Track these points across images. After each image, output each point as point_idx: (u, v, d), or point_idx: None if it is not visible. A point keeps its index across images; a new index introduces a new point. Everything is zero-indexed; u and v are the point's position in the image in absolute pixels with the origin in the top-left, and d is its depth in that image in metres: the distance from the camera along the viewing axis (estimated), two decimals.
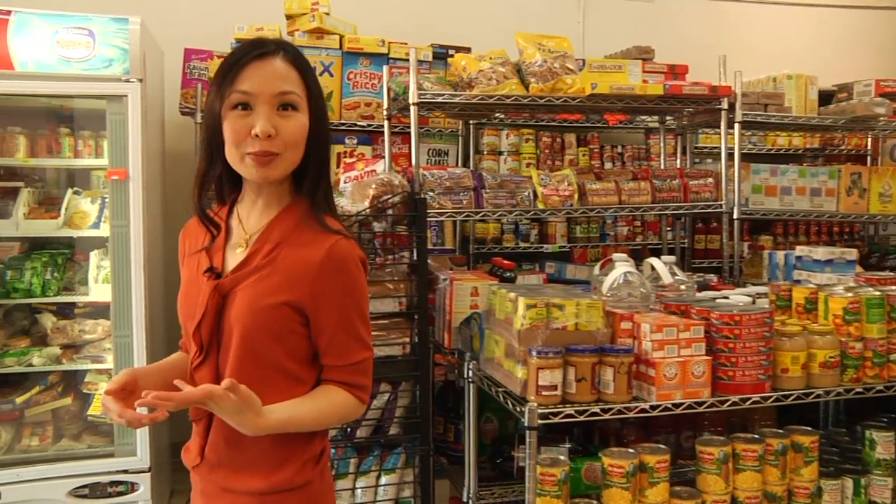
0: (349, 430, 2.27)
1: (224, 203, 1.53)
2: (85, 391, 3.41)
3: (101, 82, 3.17)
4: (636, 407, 2.04)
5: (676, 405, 2.06)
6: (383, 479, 2.30)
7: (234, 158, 1.40)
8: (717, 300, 2.41)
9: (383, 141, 3.87)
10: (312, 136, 1.44)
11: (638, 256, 3.23)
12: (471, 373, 2.32)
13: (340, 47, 3.82)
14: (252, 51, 1.40)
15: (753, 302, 2.43)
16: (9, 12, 3.05)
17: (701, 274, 3.28)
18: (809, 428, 2.30)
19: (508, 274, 2.77)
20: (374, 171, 2.60)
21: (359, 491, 2.30)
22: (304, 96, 1.43)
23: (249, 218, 1.48)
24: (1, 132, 3.34)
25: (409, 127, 3.82)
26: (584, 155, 4.30)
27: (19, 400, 3.28)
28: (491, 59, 3.00)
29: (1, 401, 3.25)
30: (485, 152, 4.10)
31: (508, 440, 2.69)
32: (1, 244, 3.40)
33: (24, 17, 3.07)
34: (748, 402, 2.09)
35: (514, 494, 2.49)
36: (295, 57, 1.44)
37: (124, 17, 3.21)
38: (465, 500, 2.40)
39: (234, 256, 1.45)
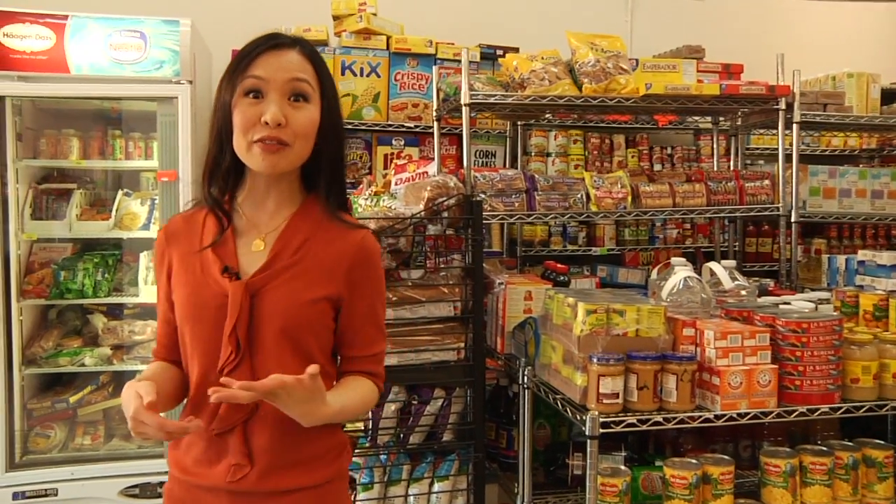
0: (402, 436, 2.24)
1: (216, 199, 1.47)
2: None
3: (152, 84, 3.21)
4: (700, 416, 1.98)
5: (742, 415, 1.99)
6: (436, 486, 2.26)
7: (241, 147, 1.38)
8: (780, 306, 2.33)
9: (430, 142, 3.86)
10: (323, 131, 1.43)
11: (691, 260, 3.15)
12: (526, 379, 2.28)
13: (388, 48, 3.81)
14: (268, 41, 1.40)
15: (816, 308, 2.35)
16: (66, 17, 3.09)
17: (756, 278, 3.19)
18: (882, 441, 2.21)
19: (562, 278, 2.71)
20: (426, 172, 2.57)
21: (411, 498, 2.27)
22: (316, 89, 1.42)
23: (260, 215, 1.45)
24: (56, 134, 3.39)
25: (456, 128, 3.81)
26: (632, 156, 4.22)
27: (72, 399, 3.32)
28: (543, 59, 2.95)
29: (55, 399, 3.29)
30: (532, 154, 4.04)
31: (561, 447, 2.63)
32: (55, 245, 3.46)
33: (79, 21, 3.11)
34: (817, 413, 2.02)
35: (568, 503, 2.44)
36: (311, 53, 1.44)
37: (175, 19, 3.23)
38: None
39: (251, 255, 1.42)
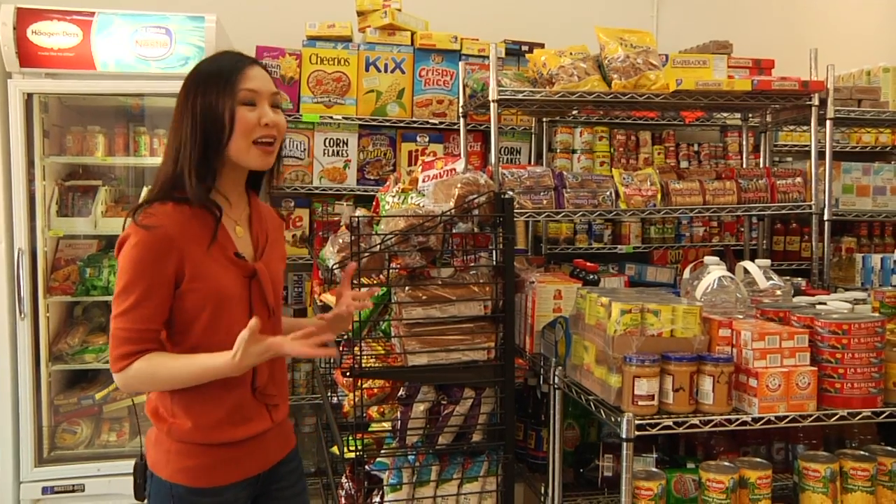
0: (431, 436, 2.21)
1: (167, 196, 1.64)
2: None
3: (177, 80, 3.16)
4: (737, 419, 1.93)
5: (780, 418, 1.94)
6: (465, 488, 2.23)
7: (241, 147, 1.65)
8: (817, 306, 2.28)
9: (454, 139, 3.84)
10: None
11: (720, 258, 3.09)
12: (557, 379, 2.25)
13: (412, 44, 3.78)
14: (245, 59, 1.71)
15: (852, 309, 2.29)
16: (92, 13, 3.09)
17: (785, 277, 3.14)
18: None
19: (592, 276, 2.68)
20: (454, 170, 2.53)
21: (440, 499, 2.24)
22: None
23: (228, 205, 1.73)
24: (81, 131, 3.39)
25: (481, 125, 3.78)
26: (659, 153, 4.16)
27: (98, 395, 3.33)
28: (571, 54, 2.91)
29: (81, 396, 3.31)
30: (558, 150, 4.00)
31: (590, 448, 2.60)
32: (80, 242, 3.47)
33: (105, 18, 3.11)
34: (858, 418, 1.96)
35: None
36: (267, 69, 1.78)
37: (200, 15, 3.22)
38: None
39: (239, 239, 1.73)
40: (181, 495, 1.65)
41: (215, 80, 1.64)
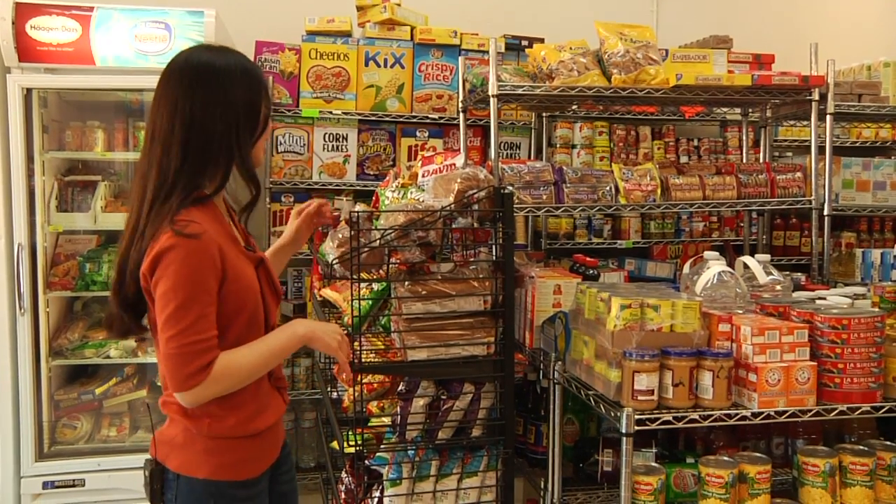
0: (430, 431, 2.21)
1: (190, 200, 1.63)
2: (158, 384, 3.44)
3: None
4: (737, 414, 1.93)
5: (779, 413, 1.94)
6: (465, 483, 2.23)
7: (261, 148, 1.78)
8: (817, 301, 2.28)
9: (454, 134, 3.83)
10: None
11: (720, 253, 3.10)
12: (556, 374, 2.25)
13: (412, 39, 3.77)
14: None
15: (852, 304, 2.29)
16: (91, 8, 3.09)
17: (785, 272, 3.14)
18: None
19: (592, 271, 2.67)
20: (454, 165, 2.53)
21: (439, 494, 2.24)
22: None
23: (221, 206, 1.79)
24: (81, 126, 3.39)
25: (480, 120, 3.77)
26: (658, 148, 4.16)
27: (98, 390, 3.33)
28: (571, 49, 2.91)
29: (81, 391, 3.31)
30: (557, 145, 3.99)
31: (590, 442, 2.60)
32: (80, 237, 3.46)
33: (104, 13, 3.11)
34: (858, 412, 1.97)
35: (598, 500, 2.41)
36: None
37: (199, 10, 3.22)
38: None
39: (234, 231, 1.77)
40: (222, 491, 1.64)
41: (259, 84, 1.73)
